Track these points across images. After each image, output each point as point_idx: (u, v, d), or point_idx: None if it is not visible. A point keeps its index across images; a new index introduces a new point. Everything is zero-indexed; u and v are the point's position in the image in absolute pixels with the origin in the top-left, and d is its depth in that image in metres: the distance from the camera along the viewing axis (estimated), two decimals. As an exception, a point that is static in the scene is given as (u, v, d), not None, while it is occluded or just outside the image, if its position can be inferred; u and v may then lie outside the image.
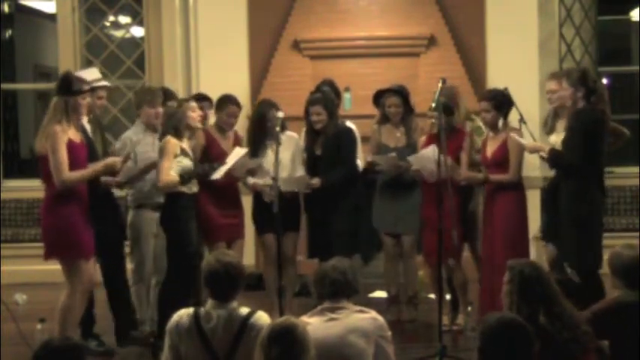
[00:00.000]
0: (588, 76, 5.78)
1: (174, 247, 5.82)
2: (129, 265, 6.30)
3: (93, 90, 5.98)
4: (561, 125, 6.22)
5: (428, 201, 6.18)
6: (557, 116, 6.35)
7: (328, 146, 6.45)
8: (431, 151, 5.89)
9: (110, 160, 5.60)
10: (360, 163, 6.66)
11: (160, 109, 6.15)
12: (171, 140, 5.79)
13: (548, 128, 6.41)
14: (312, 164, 6.48)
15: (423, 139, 6.45)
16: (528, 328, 3.35)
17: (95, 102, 6.08)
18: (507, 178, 5.99)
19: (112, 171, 5.65)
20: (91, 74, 6.18)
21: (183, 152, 5.79)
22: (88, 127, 6.03)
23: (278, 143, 5.87)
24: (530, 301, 3.76)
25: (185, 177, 5.72)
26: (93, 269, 5.58)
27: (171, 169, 5.71)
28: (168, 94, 6.48)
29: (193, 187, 5.87)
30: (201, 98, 6.58)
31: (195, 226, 5.88)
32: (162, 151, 5.80)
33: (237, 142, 6.41)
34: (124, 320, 6.14)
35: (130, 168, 6.02)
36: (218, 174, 5.98)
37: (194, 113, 5.93)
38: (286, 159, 6.37)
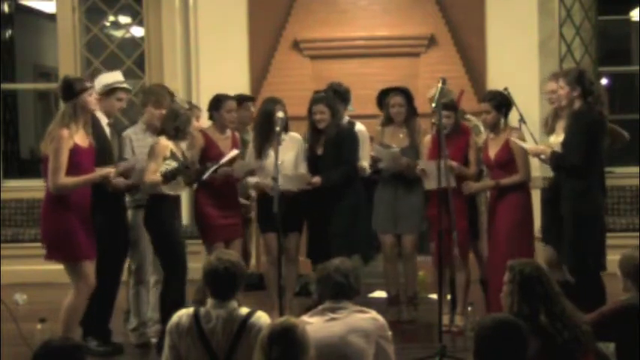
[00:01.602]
0: (585, 76, 5.78)
1: (163, 248, 5.83)
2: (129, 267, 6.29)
3: (113, 91, 5.99)
4: (560, 126, 6.22)
5: (433, 201, 6.17)
6: (557, 117, 6.35)
7: (330, 146, 6.45)
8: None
9: (105, 170, 5.54)
10: (366, 165, 6.65)
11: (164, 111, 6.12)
12: (162, 142, 5.77)
13: (549, 128, 6.41)
14: (314, 164, 6.47)
15: (428, 137, 6.44)
16: (523, 328, 3.35)
17: (114, 103, 6.04)
18: (518, 179, 6.02)
19: (107, 181, 5.59)
20: (113, 77, 6.18)
21: (173, 155, 5.75)
22: (107, 129, 6.01)
23: (278, 143, 5.86)
24: (531, 300, 3.75)
25: (168, 175, 5.69)
26: (94, 270, 5.56)
27: (158, 171, 5.69)
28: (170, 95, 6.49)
29: (178, 190, 5.86)
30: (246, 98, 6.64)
31: (180, 226, 5.89)
32: (150, 152, 5.79)
33: (235, 143, 6.39)
34: (107, 321, 6.11)
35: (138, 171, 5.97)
36: (206, 174, 5.98)
37: (197, 123, 5.90)
38: (289, 160, 6.36)
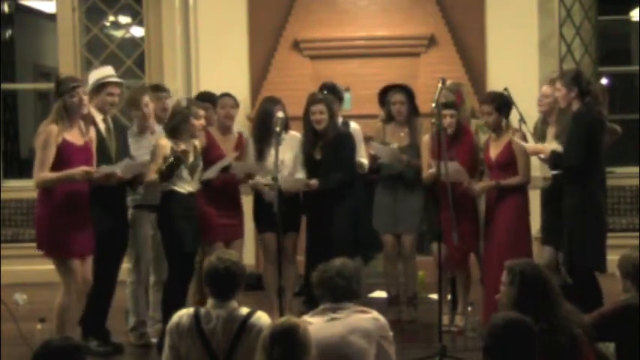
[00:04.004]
0: (582, 76, 5.79)
1: (170, 248, 5.83)
2: (125, 265, 6.28)
3: (103, 86, 5.95)
4: (550, 133, 6.20)
5: (445, 205, 6.11)
6: (545, 123, 6.34)
7: (328, 150, 6.42)
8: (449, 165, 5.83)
9: (87, 167, 5.41)
10: (365, 161, 6.65)
11: (147, 109, 6.13)
12: (161, 142, 5.78)
13: (539, 135, 6.39)
14: (312, 169, 6.44)
15: (426, 137, 6.41)
16: (534, 327, 3.35)
17: (105, 99, 5.95)
18: (519, 180, 6.00)
19: (89, 179, 5.46)
20: (102, 72, 6.13)
21: (173, 153, 5.71)
22: (102, 126, 5.98)
23: (278, 143, 5.86)
24: (530, 301, 3.75)
25: (164, 172, 5.65)
26: (89, 269, 5.56)
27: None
28: (159, 88, 6.51)
29: (188, 187, 5.84)
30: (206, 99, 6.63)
31: (192, 228, 5.86)
32: (151, 153, 5.81)
33: (240, 144, 6.38)
34: (104, 321, 6.10)
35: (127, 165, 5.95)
36: (211, 173, 5.97)
37: (198, 121, 5.84)
38: (289, 159, 6.36)
